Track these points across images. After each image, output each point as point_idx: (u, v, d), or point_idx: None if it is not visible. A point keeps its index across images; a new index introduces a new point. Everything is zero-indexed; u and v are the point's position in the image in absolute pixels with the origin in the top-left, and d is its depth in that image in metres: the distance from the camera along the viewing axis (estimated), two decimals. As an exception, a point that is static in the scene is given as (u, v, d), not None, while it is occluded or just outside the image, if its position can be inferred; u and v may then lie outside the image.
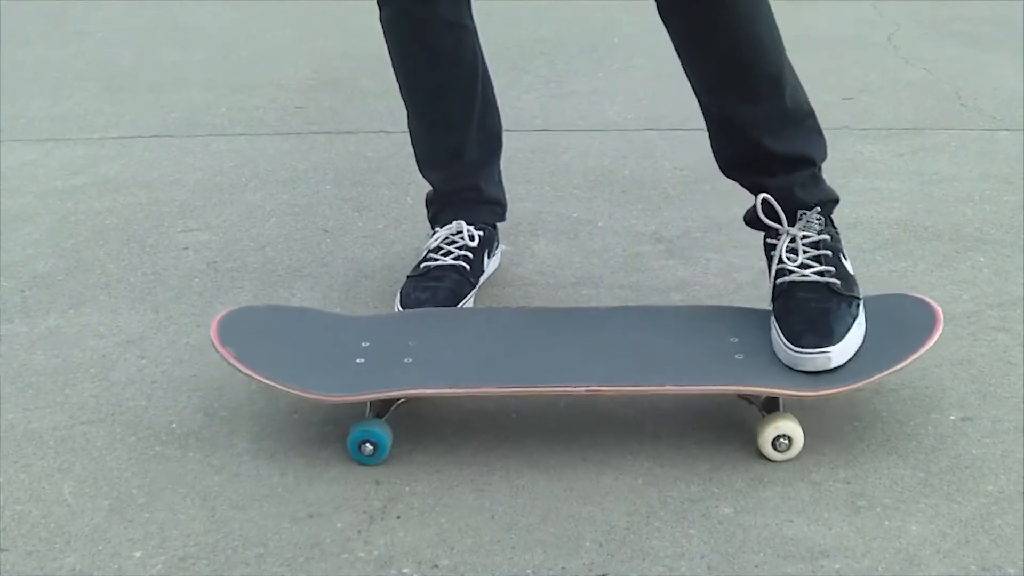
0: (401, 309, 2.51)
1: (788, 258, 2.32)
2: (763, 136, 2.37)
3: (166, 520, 1.99)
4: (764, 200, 2.33)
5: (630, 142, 3.68)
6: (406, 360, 2.21)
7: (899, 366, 2.14)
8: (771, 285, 2.33)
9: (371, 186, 3.40)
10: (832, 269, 2.31)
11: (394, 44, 2.67)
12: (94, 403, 2.35)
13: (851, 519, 1.97)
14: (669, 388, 2.12)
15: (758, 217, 2.38)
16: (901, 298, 2.36)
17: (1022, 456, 2.14)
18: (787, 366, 2.18)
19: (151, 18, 5.76)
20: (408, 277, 2.64)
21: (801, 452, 2.14)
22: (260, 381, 2.15)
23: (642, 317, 2.37)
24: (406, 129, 2.76)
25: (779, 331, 2.22)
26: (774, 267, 2.33)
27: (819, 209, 2.39)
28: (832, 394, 2.11)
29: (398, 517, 1.99)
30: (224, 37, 5.24)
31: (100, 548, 1.92)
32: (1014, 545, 1.89)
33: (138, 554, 1.91)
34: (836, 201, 2.47)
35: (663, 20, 2.35)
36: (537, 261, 2.90)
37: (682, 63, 2.40)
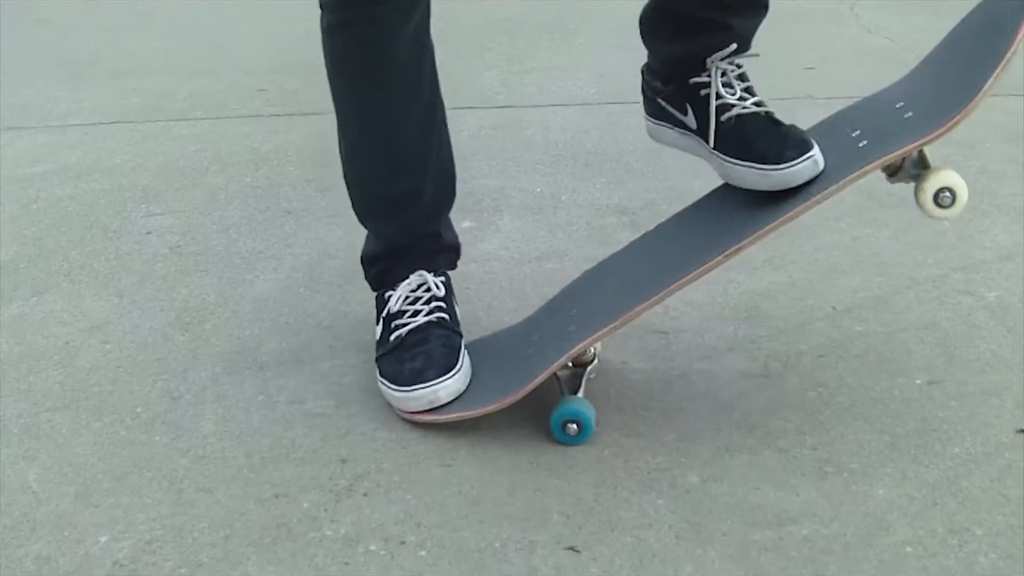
0: (394, 388, 2.21)
1: (727, 92, 2.24)
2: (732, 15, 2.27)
3: (132, 504, 1.98)
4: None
5: (592, 116, 3.67)
6: (570, 328, 2.19)
7: (1010, 51, 1.97)
8: (713, 125, 2.23)
9: (334, 167, 3.34)
10: (763, 100, 2.25)
11: (347, 74, 2.26)
12: (58, 389, 2.34)
13: (818, 485, 1.97)
14: (815, 199, 2.03)
15: (677, 60, 2.29)
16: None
17: (988, 418, 2.14)
18: (771, 191, 2.14)
19: (112, 6, 5.73)
20: (380, 357, 2.30)
21: (767, 419, 2.14)
22: (466, 417, 2.15)
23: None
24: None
25: (750, 161, 2.16)
26: (712, 105, 2.23)
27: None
28: (965, 113, 1.97)
29: (364, 494, 1.98)
30: (185, 23, 5.22)
31: (66, 534, 1.91)
32: (981, 507, 1.90)
33: (104, 539, 1.89)
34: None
35: None
36: (502, 236, 2.90)
37: None
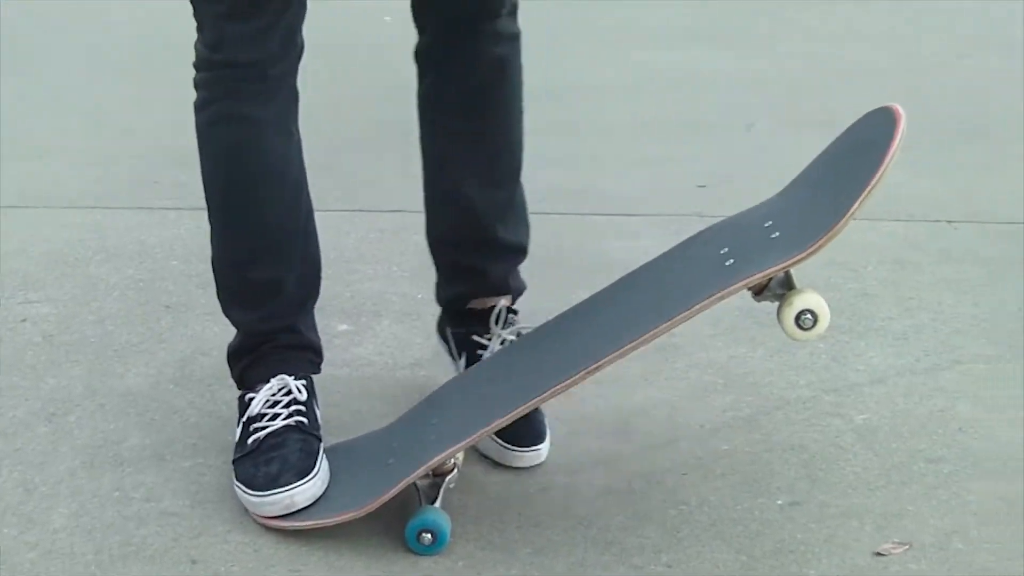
0: (250, 492, 2.19)
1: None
2: (496, 223, 2.47)
3: (-29, 598, 1.94)
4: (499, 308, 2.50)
5: (482, 223, 3.68)
6: (431, 438, 2.18)
7: (877, 175, 1.99)
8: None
9: (218, 262, 3.37)
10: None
11: (212, 149, 2.33)
12: (-91, 476, 2.30)
13: (670, 603, 1.96)
14: (676, 319, 2.03)
15: (469, 312, 2.54)
16: (853, 127, 2.26)
17: (847, 540, 2.16)
18: (502, 464, 2.35)
19: (19, 87, 5.69)
20: (236, 460, 2.28)
21: (625, 536, 2.14)
22: (322, 525, 2.14)
23: (624, 283, 2.37)
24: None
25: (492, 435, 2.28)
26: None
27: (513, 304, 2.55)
28: (830, 237, 1.98)
29: (211, 597, 1.96)
30: (91, 109, 5.18)
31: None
32: (831, 631, 1.90)
33: (-62, 633, 1.86)
34: (523, 291, 2.60)
35: (434, 90, 2.45)
36: (378, 341, 2.88)
37: (432, 136, 2.50)
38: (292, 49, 2.26)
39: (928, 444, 2.48)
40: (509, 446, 2.34)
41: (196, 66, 2.28)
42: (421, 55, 2.45)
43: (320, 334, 2.50)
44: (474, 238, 2.50)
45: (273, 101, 2.27)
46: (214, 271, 2.42)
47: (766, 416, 2.57)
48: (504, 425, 2.09)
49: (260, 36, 2.20)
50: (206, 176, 2.35)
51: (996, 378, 2.76)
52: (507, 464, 2.35)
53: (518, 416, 2.08)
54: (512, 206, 2.52)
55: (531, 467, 2.36)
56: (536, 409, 2.31)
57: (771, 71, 5.51)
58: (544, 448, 2.38)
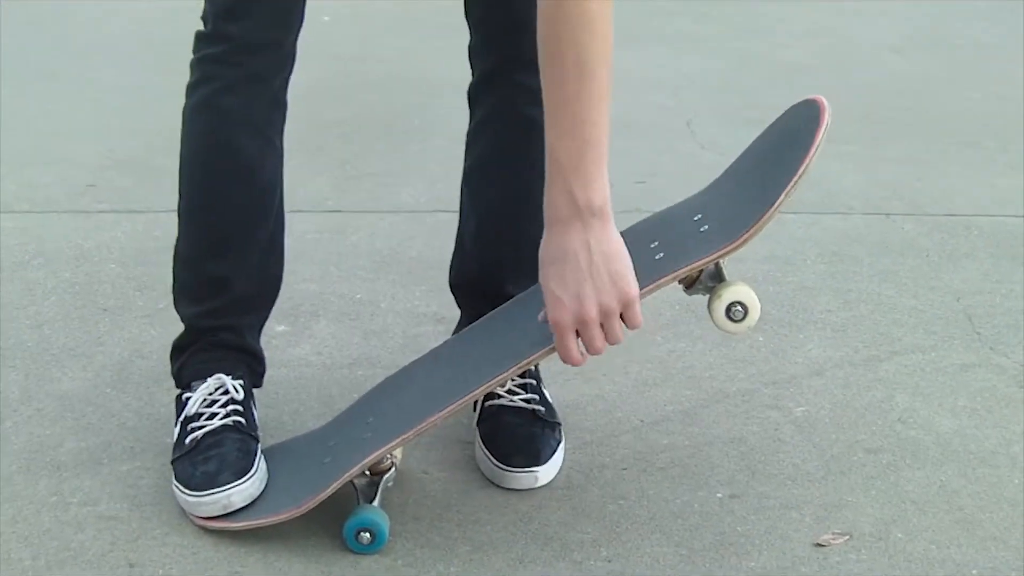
0: (187, 492, 2.18)
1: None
2: (507, 280, 2.44)
3: (-95, 607, 1.92)
4: None
5: (420, 223, 3.67)
6: (366, 436, 2.17)
7: (803, 166, 1.99)
8: (479, 406, 2.40)
9: (155, 265, 3.34)
10: (536, 397, 2.38)
11: (190, 137, 2.32)
12: None
13: (610, 598, 1.97)
14: None
15: None
16: (779, 120, 2.24)
17: (787, 532, 2.17)
18: (493, 482, 2.28)
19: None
20: (175, 460, 2.26)
21: (564, 531, 2.14)
22: (258, 525, 2.13)
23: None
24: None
25: (486, 451, 2.31)
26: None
27: None
28: (758, 228, 1.99)
29: (148, 601, 1.95)
30: (18, 113, 5.15)
31: None
32: (770, 622, 1.91)
33: None
34: None
35: (473, 136, 2.48)
36: (315, 342, 2.87)
37: (464, 180, 2.53)
38: (276, 54, 2.26)
39: (867, 435, 2.50)
40: (499, 464, 2.30)
41: (193, 48, 2.30)
42: (470, 96, 2.46)
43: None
44: (485, 290, 2.49)
45: (250, 98, 2.27)
46: (173, 261, 2.43)
47: (705, 409, 2.58)
48: (439, 421, 2.07)
49: (248, 31, 2.21)
50: (180, 161, 2.35)
51: (934, 369, 2.78)
52: (498, 484, 2.30)
53: (452, 412, 2.07)
54: (527, 266, 2.47)
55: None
56: (541, 427, 2.34)
57: (706, 69, 5.52)
58: (543, 471, 2.30)
